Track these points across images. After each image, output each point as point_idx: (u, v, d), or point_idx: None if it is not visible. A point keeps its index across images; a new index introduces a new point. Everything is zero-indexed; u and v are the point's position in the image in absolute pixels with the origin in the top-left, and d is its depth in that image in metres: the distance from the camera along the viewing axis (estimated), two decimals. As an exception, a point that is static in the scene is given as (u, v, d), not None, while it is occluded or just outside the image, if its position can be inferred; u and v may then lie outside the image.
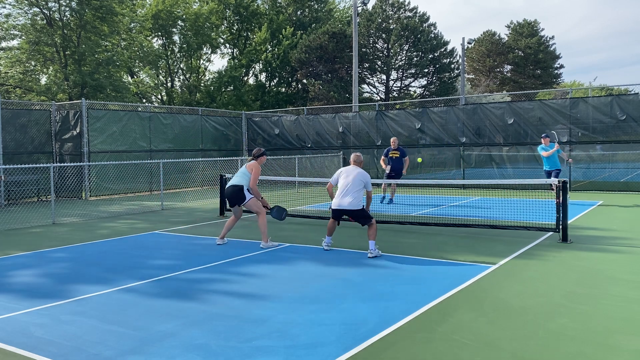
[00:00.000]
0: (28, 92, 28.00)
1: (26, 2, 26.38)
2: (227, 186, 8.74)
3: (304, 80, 38.98)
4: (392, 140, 14.44)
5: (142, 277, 6.69)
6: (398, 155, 14.15)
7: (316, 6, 41.71)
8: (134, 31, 32.39)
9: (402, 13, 38.52)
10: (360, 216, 7.91)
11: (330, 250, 8.22)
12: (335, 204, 7.98)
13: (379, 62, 38.89)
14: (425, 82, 39.82)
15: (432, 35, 38.05)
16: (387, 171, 14.22)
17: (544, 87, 45.44)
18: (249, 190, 8.56)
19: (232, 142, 23.47)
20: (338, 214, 8.03)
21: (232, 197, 8.56)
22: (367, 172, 8.24)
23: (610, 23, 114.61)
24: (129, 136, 18.79)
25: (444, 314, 5.07)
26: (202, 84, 38.90)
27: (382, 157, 14.45)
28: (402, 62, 38.30)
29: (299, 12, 41.21)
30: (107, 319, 5.08)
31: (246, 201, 8.54)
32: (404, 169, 14.29)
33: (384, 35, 38.03)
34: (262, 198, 8.73)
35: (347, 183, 7.90)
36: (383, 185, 14.44)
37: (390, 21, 38.17)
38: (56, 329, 4.82)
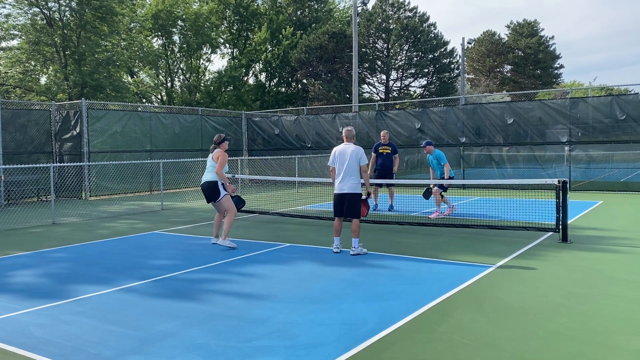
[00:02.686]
0: (28, 92, 28.00)
1: (26, 2, 26.38)
2: (202, 182, 8.70)
3: (304, 80, 38.98)
4: (382, 133, 13.02)
5: (142, 277, 6.69)
6: (389, 151, 12.83)
7: (316, 6, 41.70)
8: (134, 31, 32.39)
9: (402, 13, 38.52)
10: (355, 205, 7.81)
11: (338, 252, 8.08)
12: (337, 188, 7.92)
13: (379, 62, 38.88)
14: (425, 82, 39.82)
15: (432, 35, 38.05)
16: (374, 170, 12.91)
17: (544, 87, 45.44)
18: (223, 185, 8.54)
19: (232, 142, 23.47)
20: (340, 200, 7.90)
21: (207, 193, 8.59)
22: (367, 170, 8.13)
23: (610, 23, 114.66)
24: (129, 136, 18.79)
25: (443, 314, 5.07)
26: (202, 84, 38.90)
27: (373, 153, 12.88)
28: (402, 62, 38.29)
29: (299, 12, 41.21)
30: (107, 319, 5.08)
31: (220, 197, 8.51)
32: (395, 167, 12.91)
33: (384, 35, 38.03)
34: (229, 183, 8.75)
35: (343, 166, 7.84)
36: (374, 189, 12.75)
37: (390, 21, 38.17)
38: (56, 329, 4.82)
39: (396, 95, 39.71)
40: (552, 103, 17.62)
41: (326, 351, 4.21)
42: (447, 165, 11.37)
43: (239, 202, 9.22)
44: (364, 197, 8.12)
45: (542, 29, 48.87)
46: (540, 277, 6.42)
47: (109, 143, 18.07)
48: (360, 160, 7.84)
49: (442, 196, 11.56)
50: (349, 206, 7.84)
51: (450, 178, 11.30)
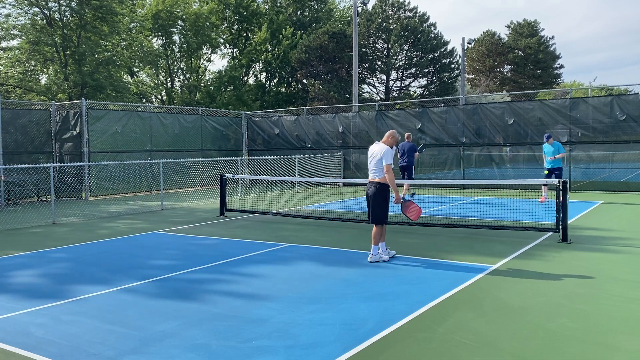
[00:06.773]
0: (28, 92, 28.00)
1: (26, 2, 26.38)
2: None
3: (304, 80, 38.98)
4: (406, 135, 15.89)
5: (142, 277, 6.69)
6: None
7: (316, 6, 41.71)
8: (134, 31, 32.39)
9: (402, 13, 38.52)
10: (376, 209, 7.37)
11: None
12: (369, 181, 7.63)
13: (379, 62, 38.88)
14: (425, 82, 39.82)
15: (432, 35, 38.05)
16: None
17: (544, 87, 45.42)
18: None
19: (232, 142, 23.47)
20: (368, 202, 7.58)
21: None
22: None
23: (611, 23, 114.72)
24: (129, 136, 18.78)
25: (444, 314, 5.07)
26: (202, 84, 38.90)
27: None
28: (402, 62, 38.29)
29: (299, 12, 41.22)
30: (107, 319, 5.08)
31: None
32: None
33: (384, 35, 38.02)
34: None
35: (370, 162, 7.50)
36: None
37: (390, 21, 38.17)
38: (56, 329, 4.82)
39: (396, 95, 39.70)
40: (552, 103, 17.62)
41: (326, 351, 4.21)
42: (563, 154, 13.75)
43: None
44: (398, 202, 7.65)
45: (542, 29, 48.90)
46: (540, 277, 6.42)
47: (109, 143, 18.07)
48: (384, 160, 7.25)
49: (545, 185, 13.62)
50: (372, 208, 7.49)
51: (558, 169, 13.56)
